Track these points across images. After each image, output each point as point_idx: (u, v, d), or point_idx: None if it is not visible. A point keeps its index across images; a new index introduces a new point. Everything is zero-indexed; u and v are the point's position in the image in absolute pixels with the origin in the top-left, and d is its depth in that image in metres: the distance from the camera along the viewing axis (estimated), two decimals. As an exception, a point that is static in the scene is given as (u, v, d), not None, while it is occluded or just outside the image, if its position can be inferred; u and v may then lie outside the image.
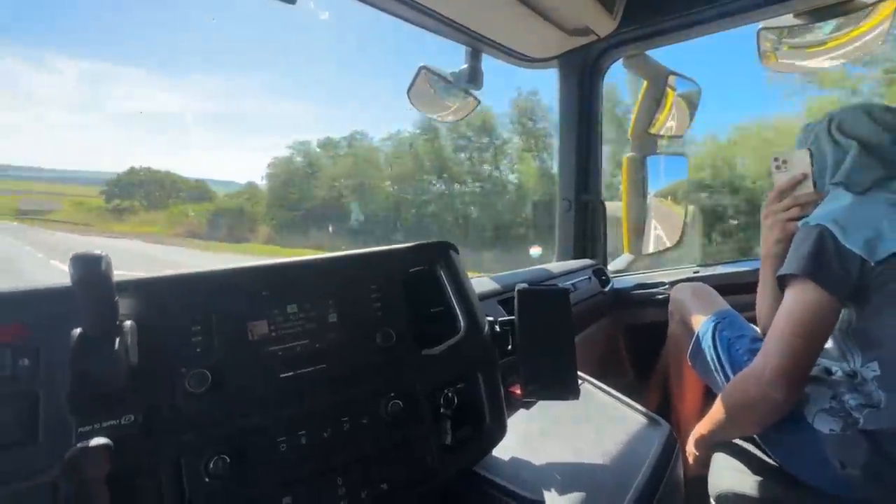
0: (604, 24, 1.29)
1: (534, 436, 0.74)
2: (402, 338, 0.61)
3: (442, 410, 0.60)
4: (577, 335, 1.27)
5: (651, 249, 1.70)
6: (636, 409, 0.83)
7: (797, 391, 0.78)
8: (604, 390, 0.91)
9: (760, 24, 1.26)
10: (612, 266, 1.73)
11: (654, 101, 1.59)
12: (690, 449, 1.01)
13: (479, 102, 1.49)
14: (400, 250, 0.68)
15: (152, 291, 0.49)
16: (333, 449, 0.53)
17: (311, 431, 0.52)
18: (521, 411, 0.82)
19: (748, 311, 1.06)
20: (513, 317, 0.68)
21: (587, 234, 1.61)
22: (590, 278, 1.42)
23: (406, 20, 1.13)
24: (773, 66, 1.36)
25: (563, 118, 1.61)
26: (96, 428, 0.42)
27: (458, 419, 0.62)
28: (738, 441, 0.98)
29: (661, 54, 1.57)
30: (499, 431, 0.66)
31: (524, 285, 0.67)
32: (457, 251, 0.73)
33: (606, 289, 1.49)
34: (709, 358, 1.03)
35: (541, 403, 0.84)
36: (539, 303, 0.67)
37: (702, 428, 0.96)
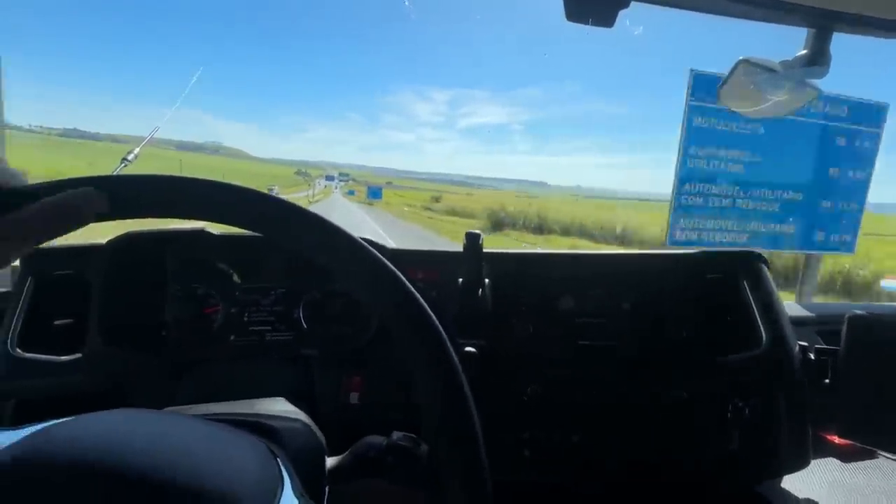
0: None
1: (848, 491, 0.62)
2: (692, 338, 0.64)
3: (729, 416, 0.60)
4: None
5: None
6: None
7: None
8: None
9: None
10: None
11: None
12: None
13: (819, 91, 1.22)
14: (698, 256, 0.70)
15: (502, 262, 0.71)
16: (615, 413, 0.63)
17: (597, 392, 0.64)
18: (836, 461, 0.69)
19: None
20: (837, 347, 0.59)
21: None
22: None
23: (729, 15, 1.06)
24: None
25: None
26: (465, 342, 0.66)
27: (749, 432, 0.60)
28: None
29: None
30: (796, 460, 0.60)
31: (860, 312, 0.57)
32: (766, 263, 0.69)
33: None
34: None
35: (872, 464, 0.68)
36: (879, 336, 0.56)
37: None
